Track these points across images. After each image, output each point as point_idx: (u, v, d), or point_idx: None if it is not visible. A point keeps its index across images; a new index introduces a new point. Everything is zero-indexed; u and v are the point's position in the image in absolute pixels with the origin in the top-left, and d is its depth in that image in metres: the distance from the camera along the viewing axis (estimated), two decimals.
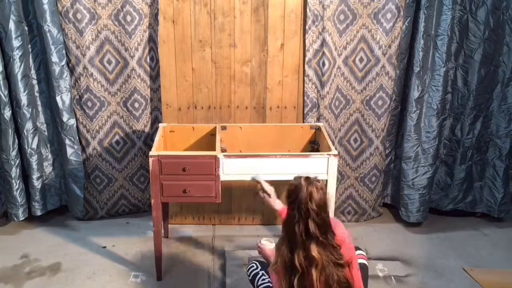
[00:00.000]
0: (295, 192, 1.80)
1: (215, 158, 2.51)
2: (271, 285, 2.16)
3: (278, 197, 2.41)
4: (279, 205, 2.39)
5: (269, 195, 2.44)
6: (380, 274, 2.81)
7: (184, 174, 2.51)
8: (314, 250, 1.78)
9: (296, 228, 1.79)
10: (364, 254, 2.35)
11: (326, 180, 2.61)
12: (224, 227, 3.29)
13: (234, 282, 2.69)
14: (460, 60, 3.09)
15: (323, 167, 2.57)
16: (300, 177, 1.83)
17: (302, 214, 1.78)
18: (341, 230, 1.96)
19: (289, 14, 2.92)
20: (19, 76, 2.90)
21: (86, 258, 2.92)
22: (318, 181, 1.84)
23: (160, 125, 2.95)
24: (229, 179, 2.60)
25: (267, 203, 2.45)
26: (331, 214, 2.42)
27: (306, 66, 2.99)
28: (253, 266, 2.31)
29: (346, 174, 3.29)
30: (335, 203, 3.19)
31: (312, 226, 1.77)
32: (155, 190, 2.54)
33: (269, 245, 2.25)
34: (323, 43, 2.95)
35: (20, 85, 2.92)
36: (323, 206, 1.79)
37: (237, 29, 2.94)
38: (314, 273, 1.78)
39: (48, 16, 2.81)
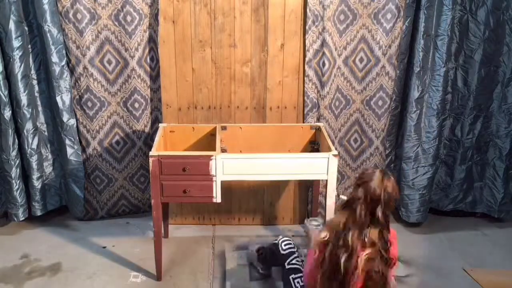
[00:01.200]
0: (368, 177, 1.90)
1: (215, 158, 2.51)
2: (301, 269, 2.24)
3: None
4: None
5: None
6: None
7: (184, 174, 2.51)
8: (374, 234, 1.85)
9: (358, 209, 1.86)
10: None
11: (326, 180, 2.61)
12: (224, 227, 3.29)
13: (234, 282, 2.69)
14: (460, 60, 3.09)
15: (323, 167, 2.57)
16: (376, 168, 1.94)
17: (368, 198, 1.86)
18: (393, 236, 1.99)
19: (289, 14, 2.92)
20: (19, 76, 2.90)
21: (86, 258, 2.92)
22: (390, 179, 1.91)
23: (160, 125, 2.95)
24: (229, 179, 2.60)
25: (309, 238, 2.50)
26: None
27: (306, 66, 2.99)
28: (291, 243, 2.39)
29: (346, 174, 3.29)
30: (335, 203, 3.18)
31: (379, 212, 1.85)
32: (155, 190, 2.54)
33: (316, 225, 2.30)
34: (323, 43, 2.95)
35: (20, 85, 2.92)
36: (392, 200, 1.88)
37: (237, 29, 2.94)
38: (362, 257, 1.84)
39: (48, 16, 2.81)
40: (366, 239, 1.84)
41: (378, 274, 1.85)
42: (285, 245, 2.40)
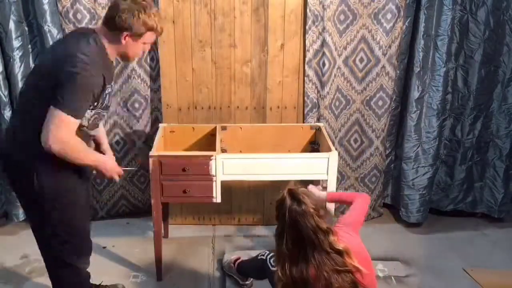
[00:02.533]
0: (279, 207, 1.81)
1: (215, 158, 2.51)
2: None
3: None
4: (323, 194, 2.38)
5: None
6: (380, 274, 2.81)
7: (184, 174, 2.51)
8: (309, 267, 1.74)
9: (284, 244, 1.77)
10: None
11: (326, 181, 2.61)
12: (224, 227, 3.29)
13: (234, 282, 2.69)
14: (460, 60, 3.09)
15: (323, 168, 2.58)
16: (284, 192, 1.82)
17: (285, 227, 1.77)
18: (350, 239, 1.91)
19: (289, 14, 2.92)
20: (19, 77, 2.90)
21: None
22: (302, 192, 1.81)
23: (160, 125, 2.95)
24: (229, 179, 2.60)
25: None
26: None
27: (306, 66, 2.99)
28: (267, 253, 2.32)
29: (346, 174, 3.29)
30: (336, 203, 3.18)
31: (291, 239, 1.76)
32: (155, 190, 2.54)
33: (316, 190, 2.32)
34: (323, 43, 2.95)
35: (20, 85, 2.92)
36: (300, 218, 1.75)
37: (237, 29, 2.94)
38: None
39: (48, 17, 2.81)
40: (307, 269, 1.74)
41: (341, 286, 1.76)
42: (273, 261, 2.21)
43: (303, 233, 1.75)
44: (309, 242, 1.75)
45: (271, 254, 2.27)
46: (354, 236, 1.99)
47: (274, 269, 2.03)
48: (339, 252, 1.76)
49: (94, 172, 2.23)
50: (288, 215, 1.76)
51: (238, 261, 2.67)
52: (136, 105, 3.14)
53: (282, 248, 1.78)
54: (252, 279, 2.64)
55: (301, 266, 1.75)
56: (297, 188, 1.84)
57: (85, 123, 2.00)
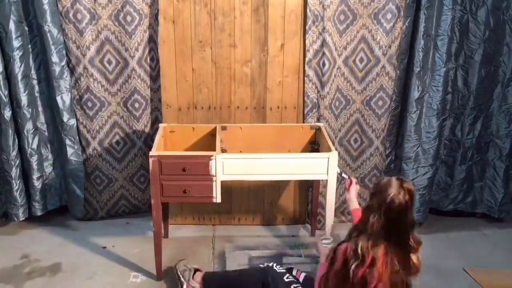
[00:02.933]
0: (383, 187, 1.81)
1: (215, 158, 2.51)
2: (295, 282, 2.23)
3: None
4: (355, 205, 2.39)
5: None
6: None
7: (184, 174, 2.51)
8: (381, 248, 1.78)
9: (371, 218, 1.80)
10: None
11: (326, 181, 2.61)
12: (224, 228, 3.29)
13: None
14: (460, 61, 3.09)
15: (323, 168, 2.57)
16: (393, 178, 1.84)
17: (381, 209, 1.78)
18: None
19: (289, 14, 2.92)
20: (19, 76, 2.90)
21: (86, 258, 2.92)
22: (408, 183, 1.82)
23: (160, 125, 2.95)
24: (229, 179, 2.60)
25: (348, 199, 2.50)
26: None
27: (306, 67, 2.99)
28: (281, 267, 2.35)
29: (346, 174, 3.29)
30: (336, 203, 3.18)
31: (384, 224, 1.78)
32: (155, 190, 2.54)
33: (327, 243, 2.27)
34: (323, 43, 2.95)
35: (20, 85, 2.92)
36: (403, 210, 1.78)
37: (237, 29, 2.94)
38: (383, 269, 1.78)
39: (48, 16, 2.81)
40: (378, 251, 1.77)
41: (403, 285, 1.81)
42: (279, 267, 2.33)
43: (401, 222, 1.79)
44: (399, 231, 1.80)
45: (275, 264, 2.34)
46: None
47: (282, 270, 2.17)
48: (414, 250, 1.84)
49: None
50: (396, 202, 1.76)
51: (202, 274, 2.56)
52: (136, 105, 3.14)
53: (367, 225, 1.80)
54: None
55: (376, 246, 1.78)
56: (407, 180, 1.85)
57: None
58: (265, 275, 2.31)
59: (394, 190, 1.77)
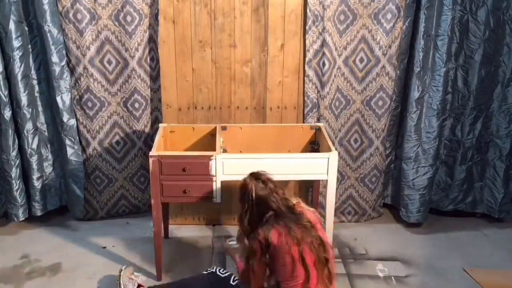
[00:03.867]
0: (243, 188, 2.17)
1: (215, 158, 2.50)
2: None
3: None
4: (239, 258, 2.41)
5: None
6: (380, 274, 2.81)
7: (184, 175, 2.51)
8: (271, 230, 2.03)
9: (246, 217, 2.14)
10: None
11: (326, 181, 2.61)
12: (224, 227, 3.29)
13: None
14: (460, 61, 3.09)
15: (323, 168, 2.57)
16: (245, 177, 2.21)
17: (249, 204, 2.13)
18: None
19: (289, 14, 2.92)
20: (19, 77, 2.90)
21: (86, 258, 2.92)
22: (263, 175, 2.20)
23: (160, 125, 2.95)
24: (229, 179, 2.60)
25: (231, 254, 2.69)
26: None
27: (306, 67, 2.99)
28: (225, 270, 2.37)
29: (346, 174, 3.29)
30: (336, 203, 3.18)
31: (257, 213, 2.12)
32: (155, 190, 2.53)
33: (234, 244, 2.38)
34: (323, 43, 2.95)
35: (20, 85, 2.92)
36: (266, 196, 2.12)
37: (237, 30, 2.94)
38: (273, 243, 2.00)
39: (48, 16, 2.81)
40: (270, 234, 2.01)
41: (311, 237, 2.03)
42: (222, 271, 2.32)
43: (272, 205, 2.10)
44: (277, 211, 2.09)
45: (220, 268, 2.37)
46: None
47: (225, 275, 2.28)
48: (303, 214, 2.12)
49: None
50: (255, 194, 2.11)
51: None
52: (136, 105, 3.14)
53: (245, 222, 2.15)
54: None
55: (264, 232, 2.03)
56: (261, 172, 2.21)
57: None
58: (208, 283, 2.28)
59: (251, 185, 2.14)
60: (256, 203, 2.11)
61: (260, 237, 2.02)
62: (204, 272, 2.34)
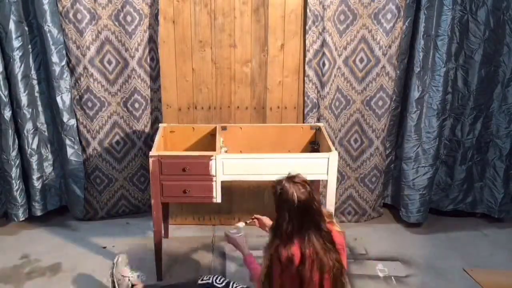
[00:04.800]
0: (283, 193, 1.88)
1: (215, 158, 2.51)
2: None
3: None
4: (247, 251, 2.31)
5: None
6: (380, 274, 2.81)
7: (184, 175, 2.51)
8: (294, 246, 1.85)
9: (285, 225, 1.87)
10: None
11: (326, 181, 2.61)
12: (224, 227, 3.28)
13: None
14: (461, 61, 3.09)
15: (323, 168, 2.57)
16: (281, 180, 1.91)
17: (292, 211, 1.86)
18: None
19: (289, 14, 2.92)
20: (19, 77, 2.90)
21: (86, 258, 2.92)
22: (299, 177, 1.92)
23: (160, 125, 2.95)
24: (229, 179, 2.60)
25: (237, 245, 2.36)
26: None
27: (306, 67, 2.99)
28: (223, 277, 2.30)
29: (346, 174, 3.29)
30: (336, 203, 3.18)
31: (298, 221, 1.86)
32: (155, 190, 2.53)
33: (237, 232, 2.28)
34: (323, 43, 2.95)
35: (20, 86, 2.92)
36: (309, 200, 1.86)
37: (237, 30, 2.94)
38: (307, 265, 1.84)
39: (48, 17, 2.81)
40: (305, 244, 1.85)
41: (332, 265, 1.87)
42: (219, 280, 2.26)
43: (312, 212, 1.87)
44: (311, 223, 1.87)
45: (217, 276, 2.29)
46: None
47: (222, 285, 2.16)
48: (330, 233, 1.91)
49: None
50: (302, 198, 1.84)
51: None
52: (136, 105, 3.14)
53: (283, 230, 1.87)
54: None
55: (287, 252, 1.85)
56: (296, 174, 1.93)
57: None
58: None
59: (292, 190, 1.85)
60: (299, 210, 1.85)
61: (283, 257, 1.86)
62: (200, 282, 2.27)
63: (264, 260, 1.97)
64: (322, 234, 1.88)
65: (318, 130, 2.95)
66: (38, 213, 3.21)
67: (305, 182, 1.89)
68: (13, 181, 3.03)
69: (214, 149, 2.60)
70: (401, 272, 2.83)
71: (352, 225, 3.35)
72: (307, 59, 2.97)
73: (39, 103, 3.08)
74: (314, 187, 1.96)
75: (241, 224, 2.42)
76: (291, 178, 1.90)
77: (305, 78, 3.01)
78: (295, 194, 1.84)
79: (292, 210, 1.85)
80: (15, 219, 3.13)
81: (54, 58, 2.90)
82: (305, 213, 1.86)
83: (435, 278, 2.79)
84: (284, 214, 1.87)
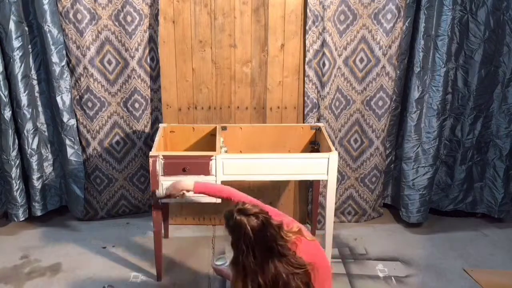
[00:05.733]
0: (236, 228, 1.80)
1: (215, 158, 2.50)
2: None
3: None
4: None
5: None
6: (380, 274, 2.81)
7: (184, 174, 2.51)
8: (272, 269, 1.77)
9: (247, 260, 1.79)
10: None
11: (326, 181, 2.61)
12: (224, 228, 3.28)
13: None
14: (461, 61, 3.09)
15: (323, 168, 2.57)
16: (233, 212, 1.82)
17: (247, 247, 1.78)
18: (286, 219, 1.96)
19: (289, 14, 2.92)
20: (19, 77, 2.90)
21: (86, 258, 2.92)
22: (249, 207, 1.82)
23: (160, 125, 2.95)
24: (229, 179, 2.60)
25: (225, 275, 2.29)
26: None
27: (306, 67, 2.99)
28: None
29: (346, 174, 3.29)
30: (336, 203, 3.18)
31: (258, 253, 1.77)
32: (155, 190, 2.53)
33: (223, 263, 2.22)
34: (324, 43, 2.95)
35: (20, 86, 2.92)
36: (264, 229, 1.78)
37: (237, 30, 2.94)
38: None
39: (48, 17, 2.81)
40: (272, 273, 1.77)
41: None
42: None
43: (268, 243, 1.77)
44: (272, 251, 1.78)
45: None
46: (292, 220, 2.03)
47: None
48: (295, 256, 1.81)
49: None
50: (252, 232, 1.76)
51: None
52: (136, 105, 3.14)
53: (248, 265, 1.79)
54: None
55: (263, 274, 1.77)
56: (242, 204, 1.84)
57: None
58: None
59: (245, 220, 1.77)
60: (256, 242, 1.78)
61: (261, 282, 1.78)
62: None
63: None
64: (287, 260, 1.79)
65: (318, 130, 2.95)
66: (38, 213, 3.21)
67: (257, 212, 1.80)
68: (13, 181, 3.03)
69: (214, 149, 2.60)
70: (401, 272, 2.83)
71: (352, 225, 3.35)
72: (307, 59, 2.97)
73: (39, 103, 3.08)
74: (268, 211, 1.87)
75: (222, 259, 2.29)
76: (241, 210, 1.82)
77: (305, 78, 3.01)
78: (248, 226, 1.76)
79: (249, 243, 1.77)
80: (15, 219, 3.13)
81: (54, 58, 2.90)
82: (263, 243, 1.77)
83: (435, 278, 2.79)
84: (241, 248, 1.79)
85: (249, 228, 1.76)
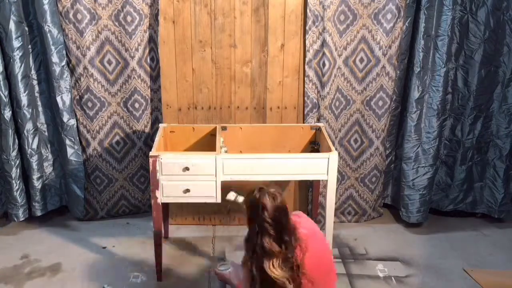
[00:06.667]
0: (251, 207, 1.85)
1: (215, 158, 2.50)
2: None
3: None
4: (236, 282, 2.22)
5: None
6: (381, 274, 2.81)
7: (184, 175, 2.51)
8: (270, 266, 1.81)
9: (258, 241, 1.82)
10: None
11: (326, 181, 2.61)
12: (224, 227, 3.29)
13: None
14: (461, 61, 3.09)
15: (323, 168, 2.57)
16: (252, 190, 1.87)
17: (261, 228, 1.81)
18: (306, 224, 1.99)
19: (289, 14, 2.92)
20: (19, 77, 2.90)
21: (86, 258, 2.92)
22: (272, 188, 1.85)
23: (160, 125, 2.95)
24: (229, 179, 2.60)
25: (227, 281, 2.27)
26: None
27: (306, 67, 2.99)
28: None
29: (346, 174, 3.29)
30: (336, 203, 3.18)
31: (267, 241, 1.80)
32: (155, 190, 2.53)
33: (225, 268, 2.23)
34: (324, 43, 2.95)
35: (21, 86, 2.92)
36: (277, 215, 1.81)
37: (238, 30, 2.94)
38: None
39: (48, 17, 2.82)
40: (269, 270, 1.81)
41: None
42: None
43: (286, 226, 1.82)
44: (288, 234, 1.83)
45: None
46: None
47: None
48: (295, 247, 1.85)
49: None
50: (274, 212, 1.80)
51: None
52: (136, 105, 3.14)
53: (264, 245, 1.81)
54: None
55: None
56: (267, 187, 1.87)
57: None
58: None
59: (270, 202, 1.81)
60: (271, 221, 1.81)
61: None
62: None
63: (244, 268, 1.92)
64: (287, 258, 1.83)
65: (318, 130, 2.95)
66: (38, 213, 3.21)
67: (276, 195, 1.84)
68: (13, 181, 3.03)
69: (214, 149, 2.60)
70: (401, 272, 2.83)
71: (352, 225, 3.35)
72: (307, 59, 2.97)
73: (39, 103, 3.08)
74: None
75: (226, 265, 2.30)
76: (262, 189, 1.86)
77: (305, 78, 3.01)
78: (266, 204, 1.80)
79: (264, 220, 1.80)
80: (15, 219, 3.13)
81: (54, 58, 2.90)
82: (282, 225, 1.82)
83: (435, 278, 2.79)
84: (254, 227, 1.83)
85: (267, 206, 1.80)
